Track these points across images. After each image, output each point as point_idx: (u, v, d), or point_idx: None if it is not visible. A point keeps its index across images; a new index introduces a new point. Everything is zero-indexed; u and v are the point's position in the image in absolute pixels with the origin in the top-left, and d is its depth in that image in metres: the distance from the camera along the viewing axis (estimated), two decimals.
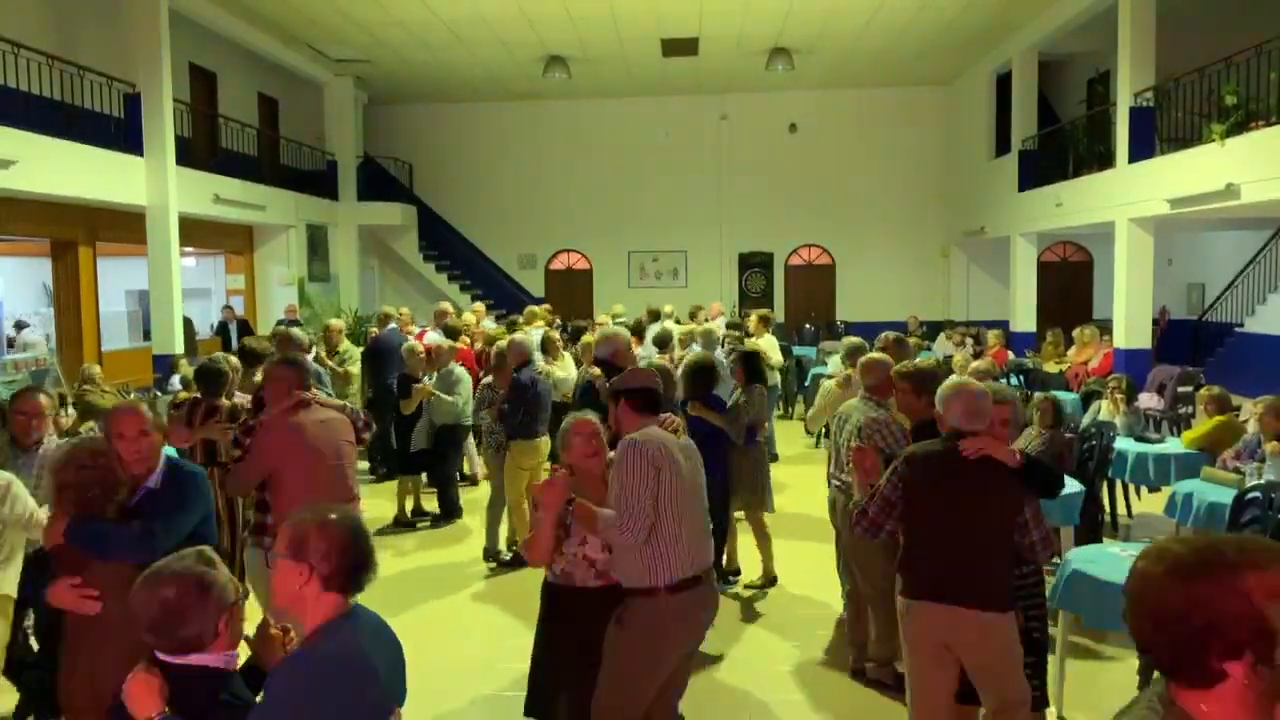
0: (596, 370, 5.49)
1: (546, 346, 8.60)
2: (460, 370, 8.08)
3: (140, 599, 2.19)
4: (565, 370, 8.43)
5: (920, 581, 3.33)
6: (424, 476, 8.23)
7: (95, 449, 3.16)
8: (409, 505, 8.07)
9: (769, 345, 9.82)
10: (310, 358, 7.91)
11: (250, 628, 2.46)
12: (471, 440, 8.87)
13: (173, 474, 3.28)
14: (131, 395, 8.69)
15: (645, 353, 8.67)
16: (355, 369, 9.33)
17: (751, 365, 6.14)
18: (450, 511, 8.05)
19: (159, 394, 10.00)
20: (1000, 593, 3.29)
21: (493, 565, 6.79)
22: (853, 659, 4.91)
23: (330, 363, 8.97)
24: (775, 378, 9.59)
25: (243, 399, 5.41)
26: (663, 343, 8.75)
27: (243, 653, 2.39)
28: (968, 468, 3.25)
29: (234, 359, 5.94)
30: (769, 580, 6.20)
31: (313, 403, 4.41)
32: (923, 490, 3.31)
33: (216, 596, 2.21)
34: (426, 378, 7.94)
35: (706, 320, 11.53)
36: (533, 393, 6.62)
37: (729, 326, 10.77)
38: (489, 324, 12.14)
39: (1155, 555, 1.45)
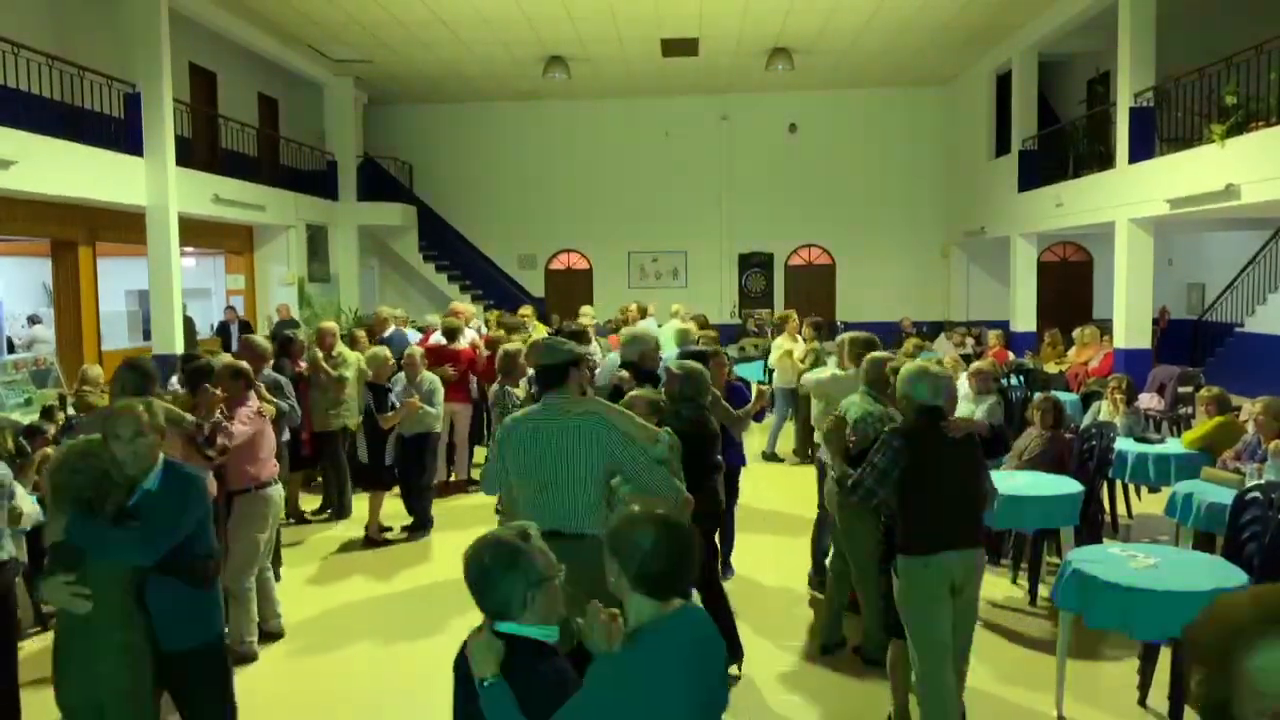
0: (624, 373, 5.30)
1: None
2: (432, 378, 7.74)
3: (466, 560, 2.32)
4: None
5: (934, 536, 3.80)
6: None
7: (87, 451, 3.17)
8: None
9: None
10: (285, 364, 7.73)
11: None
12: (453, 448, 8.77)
13: (170, 476, 3.30)
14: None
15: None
16: (350, 374, 7.93)
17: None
18: (423, 524, 7.66)
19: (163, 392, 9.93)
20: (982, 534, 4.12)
21: None
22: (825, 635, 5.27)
23: (325, 366, 7.84)
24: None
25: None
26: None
27: None
28: (953, 438, 3.93)
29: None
30: None
31: None
32: (922, 459, 3.83)
33: (524, 568, 2.26)
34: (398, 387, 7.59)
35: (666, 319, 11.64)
36: None
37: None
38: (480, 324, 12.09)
39: None
